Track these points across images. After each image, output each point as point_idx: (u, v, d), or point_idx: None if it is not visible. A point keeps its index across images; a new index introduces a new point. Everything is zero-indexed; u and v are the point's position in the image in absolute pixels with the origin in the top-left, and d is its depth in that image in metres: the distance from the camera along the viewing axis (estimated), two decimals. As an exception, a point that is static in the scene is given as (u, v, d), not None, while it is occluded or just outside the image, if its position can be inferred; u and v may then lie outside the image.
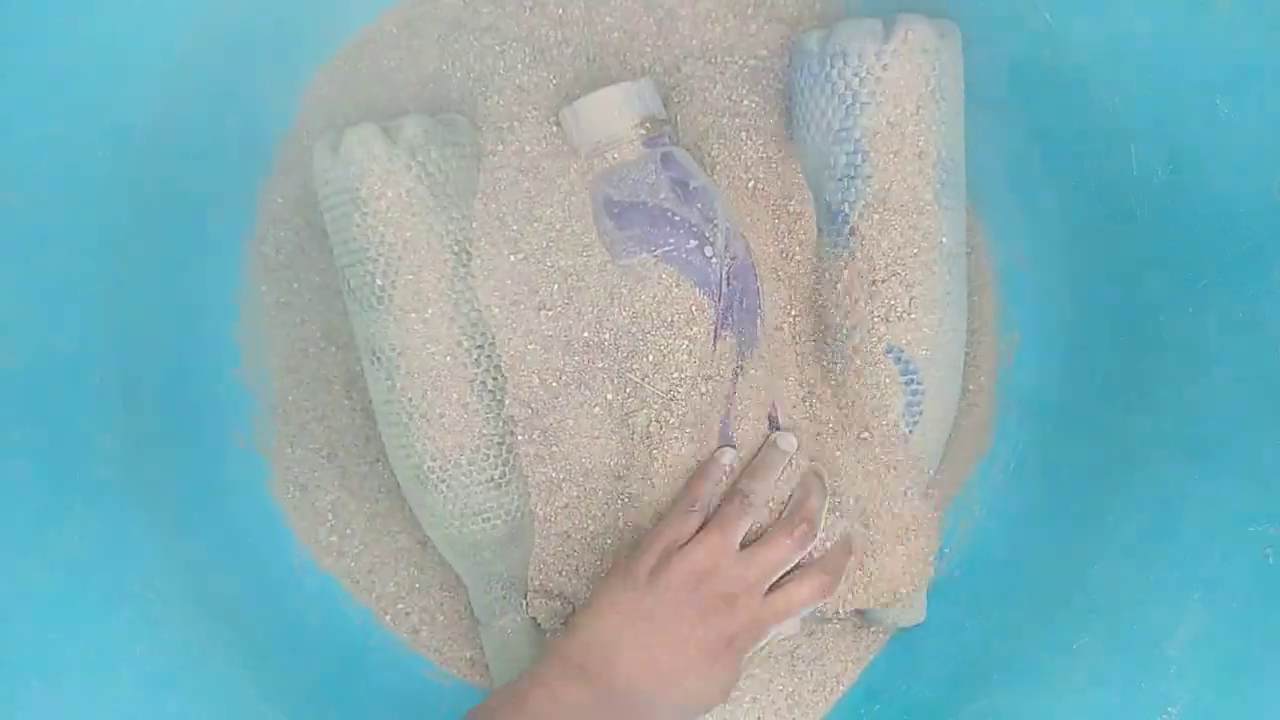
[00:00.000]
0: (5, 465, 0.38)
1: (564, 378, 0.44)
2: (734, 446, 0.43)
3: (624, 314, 0.43)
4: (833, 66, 0.41)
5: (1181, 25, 0.37)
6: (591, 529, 0.45)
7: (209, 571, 0.45)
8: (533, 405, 0.44)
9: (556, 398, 0.44)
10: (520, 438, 0.44)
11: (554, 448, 0.44)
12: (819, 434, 0.45)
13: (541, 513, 0.45)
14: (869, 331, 0.43)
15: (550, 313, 0.44)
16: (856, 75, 0.41)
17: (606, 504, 0.45)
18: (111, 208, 0.40)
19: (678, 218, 0.42)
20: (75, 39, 0.35)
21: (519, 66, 0.46)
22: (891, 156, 0.41)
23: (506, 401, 0.44)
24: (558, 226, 0.44)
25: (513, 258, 0.44)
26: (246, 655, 0.44)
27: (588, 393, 0.44)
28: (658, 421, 0.43)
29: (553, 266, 0.44)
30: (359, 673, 0.47)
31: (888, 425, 0.44)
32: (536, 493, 0.45)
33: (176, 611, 0.42)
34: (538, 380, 0.44)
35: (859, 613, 0.47)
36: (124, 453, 0.42)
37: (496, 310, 0.43)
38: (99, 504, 0.41)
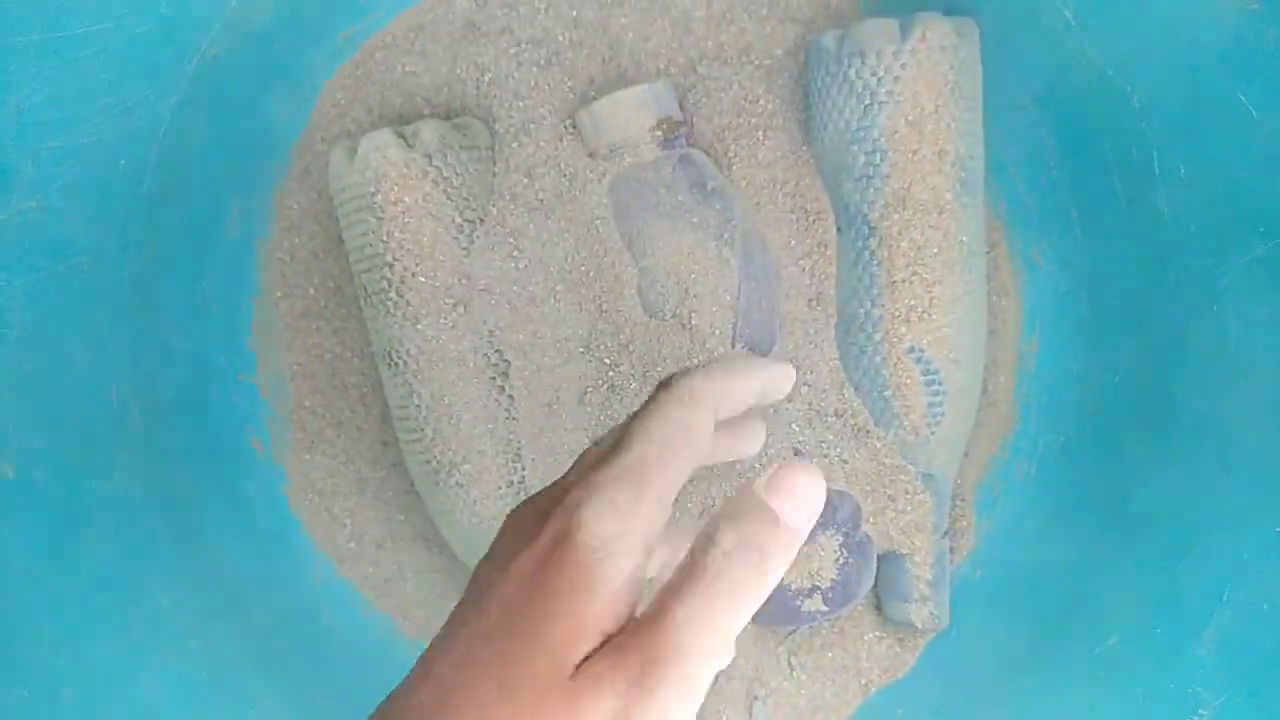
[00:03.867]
0: (24, 475, 0.37)
1: (580, 383, 0.44)
2: None
3: (641, 316, 0.43)
4: (850, 66, 0.41)
5: (1205, 20, 0.37)
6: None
7: (228, 579, 0.45)
8: (542, 412, 0.44)
9: (568, 404, 0.44)
10: (525, 442, 0.44)
11: (562, 457, 0.44)
12: (840, 432, 0.45)
13: None
14: (889, 332, 0.43)
15: (560, 314, 0.44)
16: (874, 74, 0.41)
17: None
18: (128, 215, 0.40)
19: (695, 219, 0.42)
20: (93, 46, 0.35)
21: (533, 69, 0.46)
22: (910, 156, 0.41)
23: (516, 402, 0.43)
24: (575, 229, 0.44)
25: (526, 261, 0.44)
26: (267, 662, 0.44)
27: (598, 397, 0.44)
28: None
29: (567, 268, 0.44)
30: (380, 679, 0.47)
31: (909, 427, 0.43)
32: None
33: (196, 619, 0.42)
34: (548, 382, 0.44)
35: (881, 618, 0.47)
36: (141, 460, 0.42)
37: (506, 311, 0.43)
38: (118, 512, 0.41)
